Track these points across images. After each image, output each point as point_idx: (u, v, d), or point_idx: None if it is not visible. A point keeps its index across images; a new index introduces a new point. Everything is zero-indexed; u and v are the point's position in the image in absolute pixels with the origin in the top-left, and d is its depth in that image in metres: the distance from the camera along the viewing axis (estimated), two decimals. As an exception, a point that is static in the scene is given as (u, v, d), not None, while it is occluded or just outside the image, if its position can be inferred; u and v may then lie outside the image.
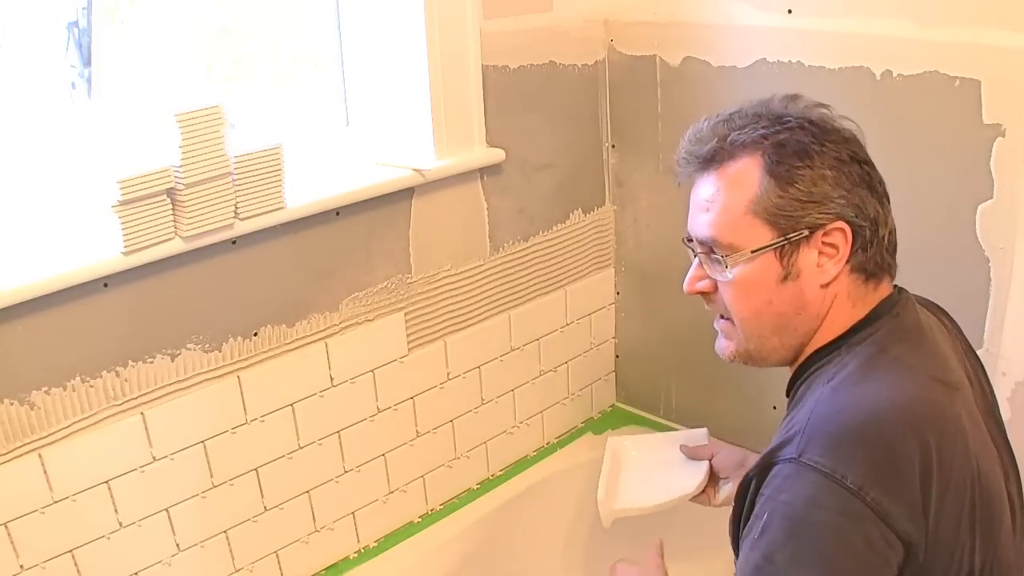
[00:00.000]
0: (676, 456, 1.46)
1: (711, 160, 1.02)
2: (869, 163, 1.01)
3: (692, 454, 1.45)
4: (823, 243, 0.98)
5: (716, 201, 1.01)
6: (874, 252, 1.00)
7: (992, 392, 1.11)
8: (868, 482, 0.86)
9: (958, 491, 0.91)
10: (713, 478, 1.42)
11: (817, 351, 1.02)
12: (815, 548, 0.87)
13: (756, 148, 0.99)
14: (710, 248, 1.02)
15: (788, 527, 0.89)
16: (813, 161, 0.97)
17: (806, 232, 0.97)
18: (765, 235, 0.98)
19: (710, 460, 1.43)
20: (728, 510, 1.05)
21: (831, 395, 0.95)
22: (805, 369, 1.03)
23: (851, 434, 0.90)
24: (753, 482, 0.96)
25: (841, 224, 0.97)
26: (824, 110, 1.03)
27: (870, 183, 1.00)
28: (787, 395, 1.08)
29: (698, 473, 1.40)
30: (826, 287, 1.00)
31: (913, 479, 0.88)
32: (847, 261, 0.99)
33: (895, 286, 1.06)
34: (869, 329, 1.00)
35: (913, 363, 0.97)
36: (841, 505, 0.87)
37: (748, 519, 0.95)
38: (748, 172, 0.99)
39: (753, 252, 0.99)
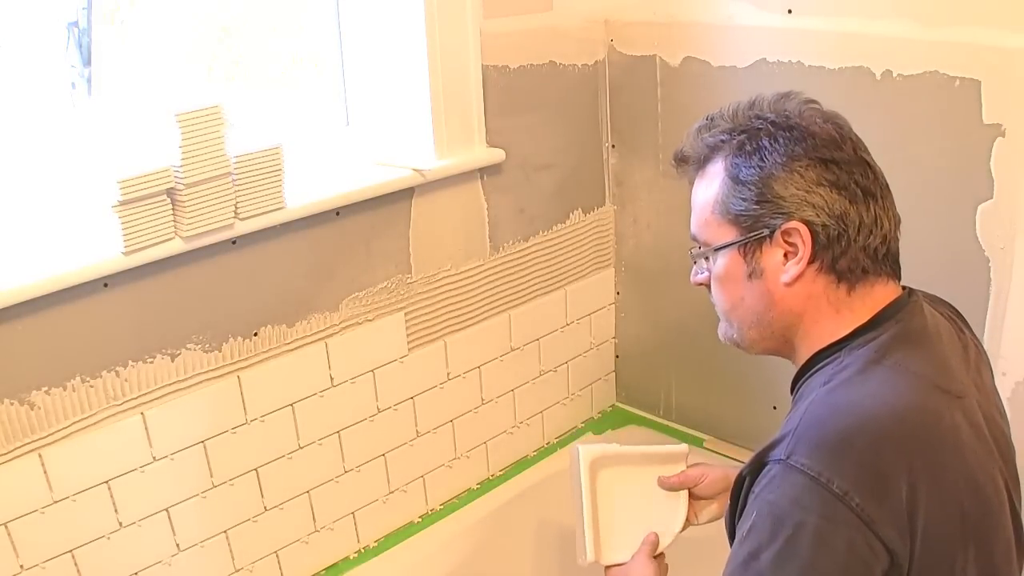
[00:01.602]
0: (654, 485, 1.36)
1: (694, 161, 1.07)
2: (840, 162, 0.98)
3: (670, 485, 1.36)
4: (786, 243, 0.99)
5: (696, 201, 1.06)
6: (845, 254, 0.98)
7: (999, 399, 1.09)
8: (854, 488, 0.86)
9: (951, 503, 0.90)
10: (692, 500, 1.36)
11: (821, 351, 1.02)
12: (797, 550, 0.87)
13: (721, 150, 1.03)
14: (697, 244, 1.08)
15: (773, 527, 0.89)
16: (765, 162, 0.98)
17: (766, 232, 0.99)
18: (729, 233, 1.02)
19: (690, 489, 1.36)
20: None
21: (825, 397, 0.94)
22: (808, 368, 1.03)
23: (841, 438, 0.89)
24: (746, 480, 0.97)
25: (796, 224, 0.97)
26: (811, 107, 1.03)
27: (836, 183, 0.97)
28: (791, 392, 1.08)
29: (678, 511, 1.34)
30: (790, 286, 1.00)
31: (900, 488, 0.87)
32: (810, 262, 0.98)
33: (906, 288, 1.04)
34: (872, 333, 0.99)
35: (915, 369, 0.96)
36: (825, 509, 0.86)
37: (741, 516, 0.96)
38: (716, 174, 1.03)
39: (716, 250, 1.03)
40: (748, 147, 1.00)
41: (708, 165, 1.05)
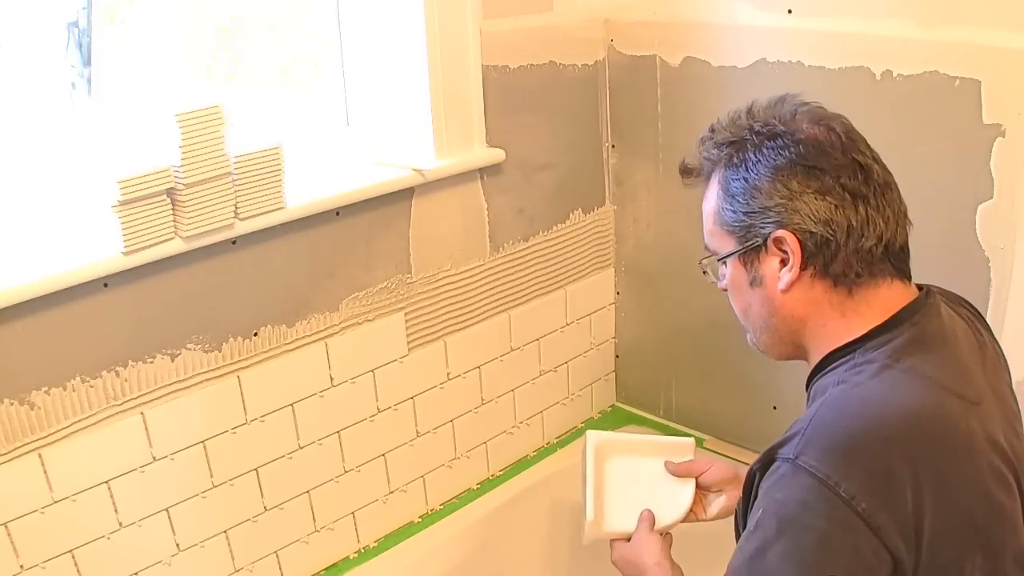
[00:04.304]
0: (661, 471, 1.41)
1: (700, 174, 1.11)
2: (824, 168, 0.98)
3: (678, 471, 1.41)
4: (779, 250, 1.01)
5: (702, 212, 1.10)
6: (836, 258, 0.98)
7: (1016, 402, 1.07)
8: (861, 493, 0.86)
9: (959, 511, 0.90)
10: (701, 493, 1.40)
11: (835, 350, 1.02)
12: (803, 551, 0.88)
13: (717, 163, 1.06)
14: (709, 253, 1.12)
15: (779, 526, 0.90)
16: (751, 174, 1.01)
17: (759, 241, 1.01)
18: (729, 244, 1.05)
19: (697, 478, 1.40)
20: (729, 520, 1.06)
21: (837, 399, 0.94)
22: (823, 367, 1.03)
23: (851, 442, 0.89)
24: (757, 475, 0.97)
25: (782, 233, 0.99)
26: (805, 109, 1.03)
27: (820, 189, 0.97)
28: (806, 389, 1.08)
29: (684, 494, 1.38)
30: (788, 293, 1.01)
31: (906, 495, 0.87)
32: (803, 268, 0.99)
33: (924, 289, 1.04)
34: (886, 336, 0.98)
35: (929, 374, 0.95)
36: (831, 512, 0.86)
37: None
38: (714, 186, 1.07)
39: (719, 259, 1.08)
40: (735, 160, 1.03)
41: (710, 177, 1.08)
